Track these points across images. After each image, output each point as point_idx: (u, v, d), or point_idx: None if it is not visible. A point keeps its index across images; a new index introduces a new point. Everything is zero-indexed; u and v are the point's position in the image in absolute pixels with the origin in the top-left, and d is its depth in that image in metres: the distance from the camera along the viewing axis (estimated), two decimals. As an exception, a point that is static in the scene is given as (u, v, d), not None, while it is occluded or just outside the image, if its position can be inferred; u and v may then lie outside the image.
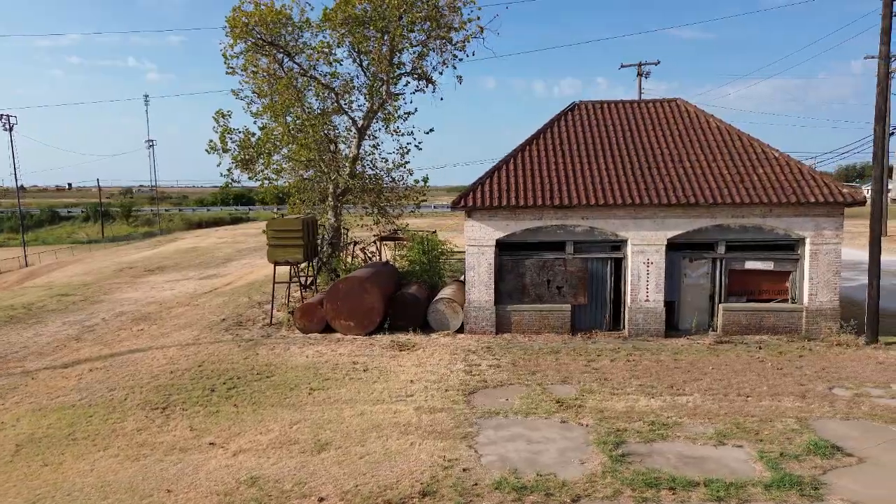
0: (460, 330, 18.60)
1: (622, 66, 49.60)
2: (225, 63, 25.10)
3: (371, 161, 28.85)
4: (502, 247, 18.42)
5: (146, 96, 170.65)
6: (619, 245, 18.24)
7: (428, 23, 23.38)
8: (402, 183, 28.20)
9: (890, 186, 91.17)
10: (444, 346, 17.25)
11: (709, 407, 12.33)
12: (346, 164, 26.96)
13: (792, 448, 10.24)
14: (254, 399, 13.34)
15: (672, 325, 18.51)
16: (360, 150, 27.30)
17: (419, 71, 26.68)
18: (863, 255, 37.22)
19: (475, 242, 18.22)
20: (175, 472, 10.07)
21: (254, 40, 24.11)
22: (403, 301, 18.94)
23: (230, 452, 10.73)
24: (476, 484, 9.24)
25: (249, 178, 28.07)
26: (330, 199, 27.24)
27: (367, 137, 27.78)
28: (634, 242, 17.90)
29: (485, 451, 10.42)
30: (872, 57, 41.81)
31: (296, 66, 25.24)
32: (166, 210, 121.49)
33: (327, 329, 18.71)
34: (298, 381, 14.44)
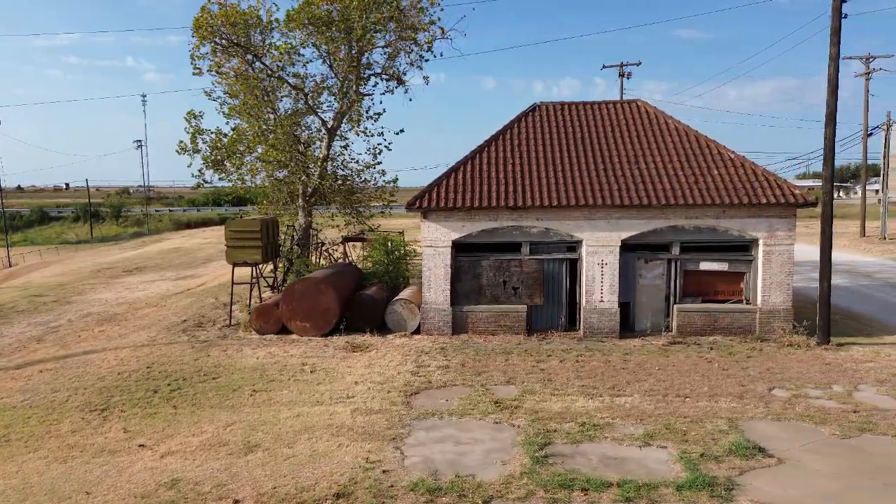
0: (417, 331, 18.61)
1: (604, 67, 49.77)
2: (192, 64, 25.07)
3: (342, 162, 28.92)
4: (459, 248, 18.45)
5: (143, 96, 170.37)
6: (574, 246, 18.28)
7: (393, 23, 23.40)
8: (372, 184, 28.23)
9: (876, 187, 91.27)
10: (398, 348, 17.26)
11: (645, 408, 12.36)
12: (317, 165, 26.99)
13: (715, 449, 10.28)
14: (194, 401, 13.34)
15: (628, 326, 18.55)
16: (331, 151, 27.33)
17: (390, 72, 26.77)
18: (838, 254, 37.37)
19: (431, 243, 18.24)
20: (99, 475, 10.06)
21: (220, 41, 24.09)
22: (361, 302, 18.95)
23: (158, 454, 10.72)
24: (392, 486, 9.25)
25: (220, 178, 28.09)
26: (300, 199, 27.27)
27: (337, 138, 27.82)
28: (589, 243, 17.94)
29: (410, 453, 10.44)
30: (849, 58, 42.03)
31: (264, 67, 25.22)
32: (157, 210, 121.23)
33: (284, 330, 18.70)
34: (243, 382, 14.44)
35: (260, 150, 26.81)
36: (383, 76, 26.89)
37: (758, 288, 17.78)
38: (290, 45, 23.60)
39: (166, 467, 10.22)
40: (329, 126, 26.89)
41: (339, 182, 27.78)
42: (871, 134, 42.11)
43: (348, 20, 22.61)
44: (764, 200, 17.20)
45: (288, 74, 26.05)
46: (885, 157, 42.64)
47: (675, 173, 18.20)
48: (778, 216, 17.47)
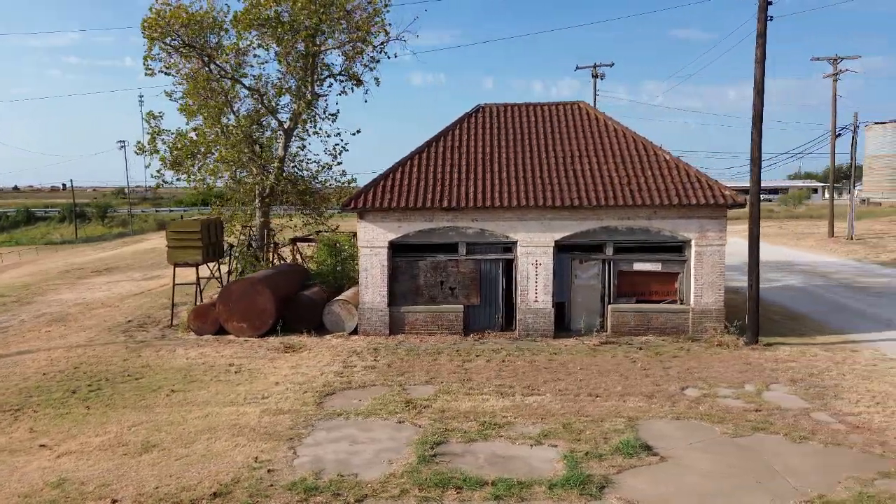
0: (356, 331, 18.70)
1: (577, 68, 49.95)
2: (144, 65, 25.10)
3: (299, 162, 29.02)
4: (396, 248, 18.54)
5: (140, 96, 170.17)
6: (510, 247, 18.39)
7: (344, 22, 23.51)
8: (331, 184, 28.32)
9: (859, 187, 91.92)
10: (331, 348, 17.34)
11: (551, 407, 12.48)
12: (273, 166, 27.06)
13: (602, 448, 10.39)
14: (110, 401, 13.39)
15: (564, 326, 18.68)
16: (287, 152, 27.41)
17: (349, 72, 26.90)
18: (802, 254, 37.66)
19: (368, 244, 18.33)
20: (-9, 475, 10.11)
21: (171, 42, 24.14)
22: (299, 303, 19.02)
23: (56, 454, 10.78)
24: (272, 485, 9.33)
25: (179, 179, 28.12)
26: (257, 200, 27.33)
27: (294, 139, 27.91)
28: (523, 244, 18.06)
29: (303, 453, 10.52)
30: (817, 59, 42.27)
31: (218, 68, 25.27)
32: (143, 211, 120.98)
33: (222, 331, 18.76)
34: (164, 383, 14.50)
35: (223, 151, 26.93)
36: (338, 77, 27.04)
37: (690, 288, 17.93)
38: (236, 46, 23.64)
39: (59, 467, 10.28)
40: (286, 127, 27.00)
41: (296, 182, 27.89)
42: (839, 135, 42.37)
43: (295, 21, 22.68)
44: (694, 201, 17.34)
45: (242, 76, 26.18)
46: (852, 158, 42.91)
47: (608, 174, 18.33)
48: (709, 217, 17.62)
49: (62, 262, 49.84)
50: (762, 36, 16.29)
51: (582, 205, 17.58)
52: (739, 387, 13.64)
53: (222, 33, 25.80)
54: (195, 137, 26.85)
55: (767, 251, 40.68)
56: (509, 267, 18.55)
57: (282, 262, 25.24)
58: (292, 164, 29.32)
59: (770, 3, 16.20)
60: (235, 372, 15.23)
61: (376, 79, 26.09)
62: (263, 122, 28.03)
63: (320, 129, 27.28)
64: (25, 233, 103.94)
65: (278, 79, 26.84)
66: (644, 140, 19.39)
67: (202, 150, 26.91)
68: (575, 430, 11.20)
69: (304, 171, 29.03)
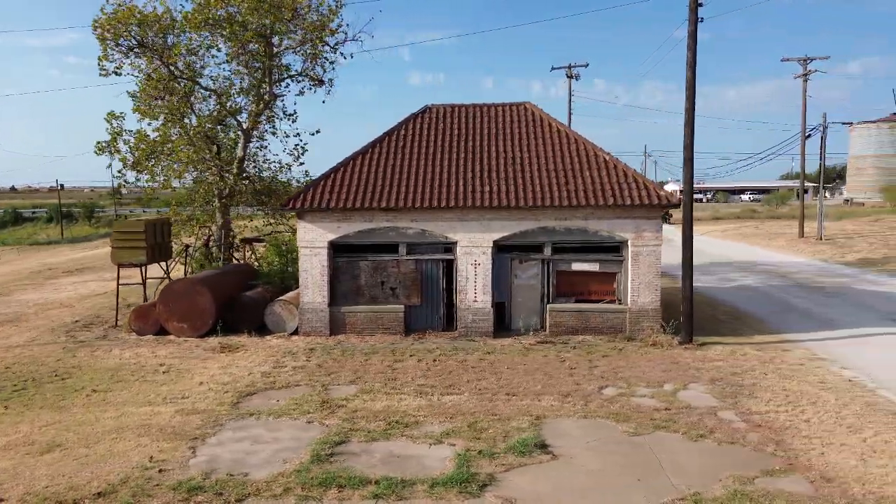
0: (297, 332, 18.74)
1: (553, 69, 50.07)
2: (98, 65, 25.08)
3: (259, 163, 29.08)
4: (337, 248, 18.60)
5: (132, 94, 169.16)
6: (450, 247, 18.45)
7: (297, 22, 23.56)
8: (291, 185, 28.37)
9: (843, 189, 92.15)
10: (268, 348, 17.39)
11: (465, 406, 12.55)
12: (233, 166, 27.09)
13: (499, 446, 10.47)
14: (30, 401, 13.41)
15: (505, 326, 18.76)
16: (247, 152, 27.44)
17: (307, 74, 27.02)
18: (770, 254, 37.78)
19: (308, 244, 18.38)
20: None
21: (123, 42, 24.14)
22: (241, 303, 19.06)
23: (-41, 454, 10.81)
24: (158, 485, 9.38)
25: (138, 180, 28.11)
26: (216, 200, 27.36)
27: (253, 139, 27.95)
28: (462, 244, 18.14)
29: (203, 452, 10.58)
30: (788, 59, 42.44)
31: (175, 68, 25.27)
32: (131, 211, 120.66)
33: (163, 331, 18.78)
34: (89, 383, 14.53)
35: (186, 152, 26.95)
36: (297, 78, 27.10)
37: (627, 288, 18.03)
38: (187, 46, 23.65)
39: (-42, 467, 10.31)
40: (245, 127, 27.04)
41: (255, 183, 27.93)
42: (809, 136, 42.55)
43: (245, 22, 22.72)
44: (629, 202, 17.44)
45: (199, 76, 26.21)
46: (821, 159, 43.10)
47: (547, 175, 18.42)
48: (645, 217, 17.72)
49: (36, 262, 49.70)
50: (692, 37, 16.39)
51: (519, 205, 17.66)
52: (658, 386, 13.74)
53: (179, 34, 25.87)
54: (156, 138, 26.90)
55: (736, 251, 40.95)
56: (450, 267, 18.62)
57: (238, 262, 25.24)
58: (252, 165, 29.45)
59: (700, 5, 16.30)
60: (164, 372, 15.27)
61: (330, 80, 26.16)
62: (227, 122, 28.11)
63: (279, 129, 27.35)
64: (12, 233, 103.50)
65: (239, 80, 26.97)
66: (585, 141, 19.48)
67: (163, 150, 26.97)
68: (479, 430, 11.28)
69: (266, 172, 29.16)
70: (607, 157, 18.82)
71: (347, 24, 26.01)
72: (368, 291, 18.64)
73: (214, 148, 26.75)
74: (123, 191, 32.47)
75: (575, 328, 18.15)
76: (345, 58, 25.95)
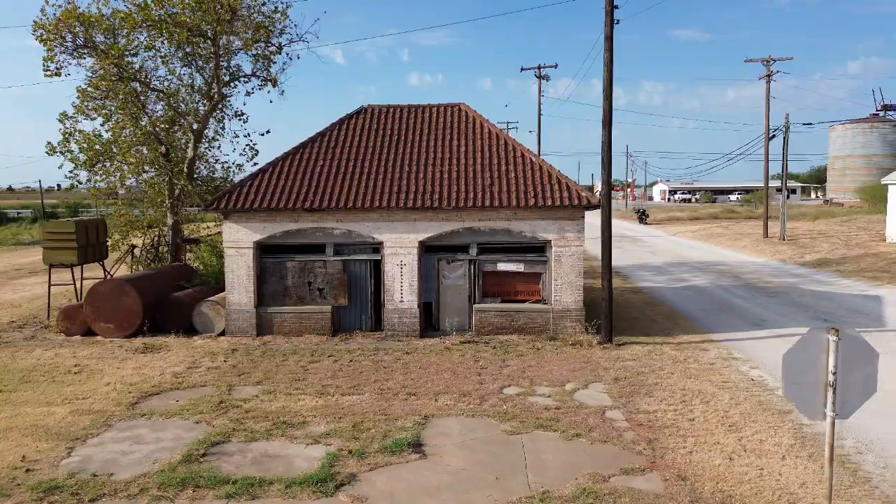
0: (224, 332, 18.77)
1: (522, 69, 50.28)
2: (43, 66, 25.05)
3: (211, 163, 29.12)
4: (264, 249, 18.64)
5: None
6: (377, 247, 18.51)
7: (239, 23, 23.60)
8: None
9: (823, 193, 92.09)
10: (191, 349, 17.41)
11: (360, 406, 12.60)
12: (183, 166, 27.10)
13: (372, 446, 10.53)
14: (-70, 402, 13.42)
15: (433, 326, 18.84)
16: (197, 152, 27.46)
17: (257, 74, 27.10)
18: (731, 254, 37.93)
19: (233, 245, 18.41)
20: None
21: (66, 43, 24.13)
22: (170, 304, 19.08)
23: None
24: (20, 485, 9.40)
25: (89, 181, 28.08)
26: (167, 200, 27.37)
27: (203, 140, 27.98)
28: (388, 245, 18.20)
29: (79, 453, 10.60)
30: (751, 60, 42.61)
31: (117, 68, 25.27)
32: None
33: (91, 332, 18.79)
34: (-3, 383, 14.54)
35: (141, 152, 26.96)
36: (244, 79, 27.15)
37: (551, 288, 18.12)
38: (125, 47, 23.65)
39: None
40: (194, 128, 27.04)
41: (207, 184, 27.97)
42: (772, 136, 42.74)
43: (181, 22, 22.75)
44: (550, 202, 17.53)
45: (148, 76, 26.22)
46: (783, 160, 43.28)
47: (473, 176, 18.50)
48: (567, 218, 17.80)
49: (6, 262, 49.57)
50: (609, 40, 16.49)
51: (442, 206, 17.73)
52: (560, 385, 13.82)
53: (128, 34, 25.87)
54: (109, 138, 26.89)
55: (699, 251, 41.13)
56: (378, 268, 18.68)
57: (180, 263, 25.22)
58: (206, 166, 29.48)
59: (616, 7, 16.40)
60: (76, 373, 15.28)
61: (273, 80, 26.19)
62: (178, 123, 28.11)
63: (228, 130, 27.41)
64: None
65: (188, 79, 27.00)
66: (514, 142, 19.57)
67: (114, 151, 26.96)
68: (362, 429, 11.33)
69: (218, 173, 29.21)
70: (533, 159, 18.91)
71: (296, 25, 25.99)
72: (295, 292, 18.68)
73: (163, 149, 26.78)
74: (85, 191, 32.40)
75: (501, 328, 18.23)
76: (290, 58, 26.06)
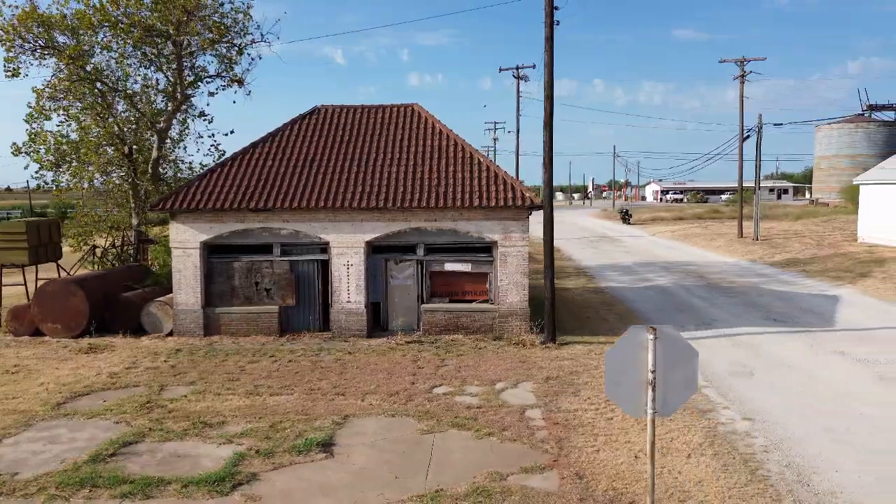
0: (172, 333, 18.79)
1: (501, 70, 50.37)
2: (4, 67, 25.04)
3: (176, 164, 29.15)
4: (211, 249, 18.66)
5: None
6: (326, 247, 18.55)
7: (192, 23, 23.63)
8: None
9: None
10: (136, 349, 17.42)
11: (283, 406, 12.64)
12: (148, 167, 27.11)
13: (282, 446, 10.57)
14: None
15: (381, 326, 18.88)
16: (161, 153, 27.47)
17: (222, 73, 27.16)
18: (703, 254, 38.02)
19: (180, 245, 18.43)
20: None
21: (26, 45, 24.13)
22: (119, 304, 19.09)
23: None
24: (-82, 484, 9.43)
25: (54, 181, 28.08)
26: (131, 201, 27.39)
27: (168, 140, 28.00)
28: (335, 245, 18.24)
29: (-11, 452, 10.63)
30: (725, 60, 42.69)
31: (78, 68, 25.27)
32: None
33: (40, 332, 18.79)
34: (-70, 384, 14.54)
35: (85, 151, 26.95)
36: (210, 79, 27.19)
37: (497, 288, 18.18)
38: (78, 47, 23.64)
39: None
40: (158, 127, 27.05)
41: (171, 184, 27.97)
42: (747, 137, 42.87)
43: (135, 23, 22.78)
44: (494, 203, 17.58)
45: (107, 76, 26.22)
46: (757, 160, 43.39)
47: (421, 176, 18.55)
48: (512, 219, 17.86)
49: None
50: (549, 41, 16.55)
51: (388, 206, 17.77)
52: (490, 385, 13.87)
53: (91, 35, 25.88)
54: (75, 139, 26.90)
55: (673, 251, 41.21)
56: (326, 268, 18.71)
57: (138, 263, 25.24)
58: (172, 166, 29.50)
59: (556, 9, 16.47)
60: (14, 373, 15.29)
61: (239, 80, 26.23)
62: (143, 123, 28.12)
63: (192, 130, 27.44)
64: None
65: (147, 79, 27.04)
66: (463, 142, 19.63)
67: (78, 151, 26.96)
68: (279, 429, 11.36)
69: (184, 173, 29.22)
70: (481, 159, 18.97)
71: (259, 25, 26.06)
72: (243, 292, 18.71)
73: (126, 149, 26.78)
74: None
75: (448, 328, 18.27)
76: (252, 59, 26.12)
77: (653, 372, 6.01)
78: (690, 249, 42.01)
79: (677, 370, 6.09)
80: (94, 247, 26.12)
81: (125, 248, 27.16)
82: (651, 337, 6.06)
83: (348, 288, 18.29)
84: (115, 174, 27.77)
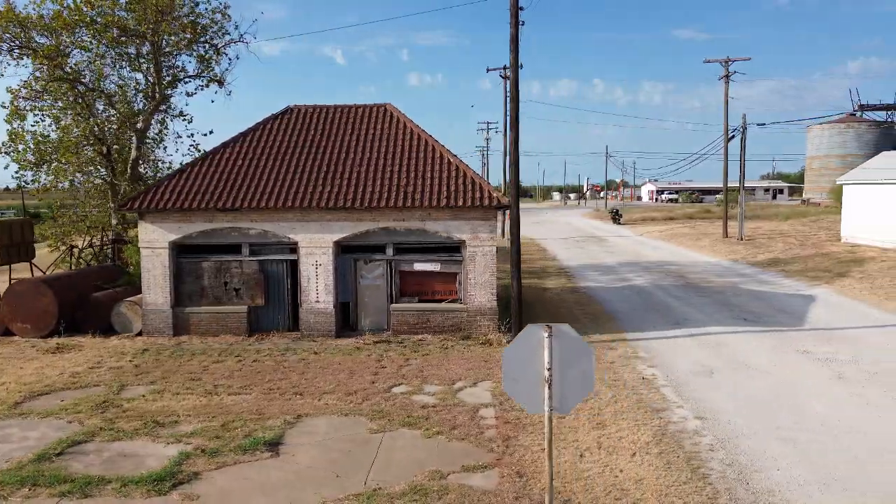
0: (142, 332, 18.79)
1: (488, 70, 50.30)
2: (-22, 68, 25.04)
3: (156, 164, 29.16)
4: (181, 249, 18.67)
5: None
6: (294, 247, 18.56)
7: (164, 24, 23.66)
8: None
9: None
10: (104, 349, 17.42)
11: (239, 406, 12.66)
12: (126, 167, 27.11)
13: (228, 446, 10.59)
14: None
15: (350, 326, 18.90)
16: (140, 152, 27.48)
17: (210, 74, 27.18)
18: (687, 254, 38.09)
19: (148, 244, 18.44)
20: None
21: (3, 44, 24.14)
22: (90, 304, 19.09)
23: None
24: None
25: (34, 181, 28.05)
26: (110, 201, 27.38)
27: (147, 139, 28.00)
28: (303, 245, 18.25)
29: (-63, 452, 10.63)
30: (710, 60, 42.82)
31: (55, 69, 25.27)
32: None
33: (9, 331, 18.78)
34: None
35: (63, 151, 26.95)
36: (188, 80, 27.21)
37: (466, 287, 18.21)
38: (53, 47, 23.64)
39: None
40: (138, 127, 27.05)
41: (150, 184, 27.98)
42: (731, 137, 42.95)
43: (108, 23, 22.80)
44: (461, 203, 17.61)
45: (88, 77, 26.23)
46: (741, 161, 43.48)
47: (390, 176, 18.57)
48: (480, 218, 17.89)
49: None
50: (514, 41, 16.60)
51: (355, 206, 17.79)
52: (450, 384, 13.90)
53: (69, 35, 25.89)
54: (56, 139, 26.90)
55: (657, 251, 41.26)
56: (295, 268, 18.72)
57: (114, 263, 25.23)
58: (150, 166, 29.50)
59: (521, 9, 16.50)
60: (-24, 373, 15.31)
61: (220, 80, 26.25)
62: (126, 123, 28.13)
63: (170, 130, 27.46)
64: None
65: (124, 78, 27.05)
66: (435, 143, 19.65)
67: (58, 151, 26.96)
68: (230, 429, 11.38)
69: (163, 173, 29.21)
70: (451, 159, 19.00)
71: (237, 25, 26.12)
72: (212, 292, 18.71)
73: (104, 149, 26.78)
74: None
75: (417, 327, 18.30)
76: (230, 59, 26.15)
77: (549, 370, 6.05)
78: (675, 249, 42.07)
79: (574, 368, 6.12)
80: (72, 246, 26.09)
81: (104, 248, 27.16)
82: (546, 335, 6.09)
83: (317, 288, 18.31)
84: (93, 174, 27.78)
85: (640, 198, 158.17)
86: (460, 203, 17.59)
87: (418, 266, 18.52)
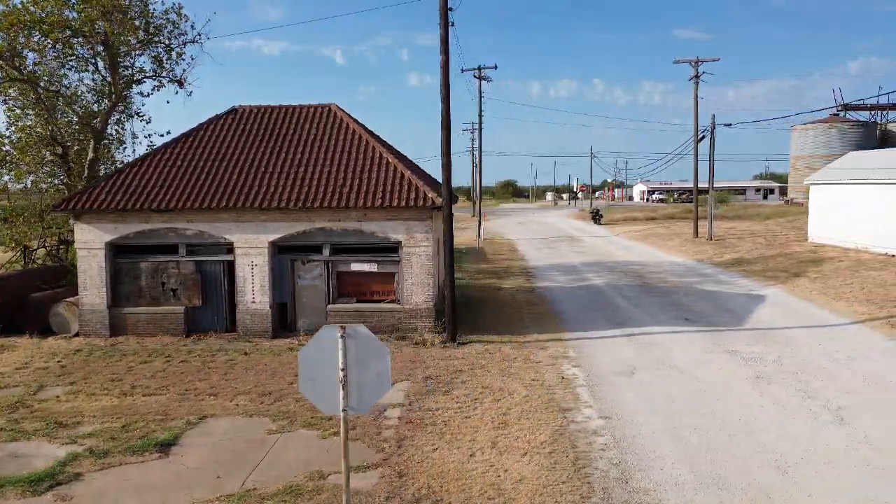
0: (79, 333, 18.76)
1: (463, 70, 50.39)
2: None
3: (112, 165, 29.06)
4: (118, 249, 18.64)
5: None
6: (230, 248, 18.55)
7: (106, 23, 23.61)
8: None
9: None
10: (37, 350, 17.36)
11: (147, 407, 12.65)
12: (84, 168, 27.04)
13: (120, 447, 10.59)
14: None
15: (288, 326, 18.90)
16: (98, 154, 27.41)
17: (170, 74, 27.14)
18: (653, 253, 38.18)
19: (84, 245, 18.41)
20: None
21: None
22: (28, 305, 19.05)
23: None
24: None
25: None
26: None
27: (104, 140, 27.93)
28: (239, 245, 18.24)
29: None
30: (679, 61, 42.92)
31: (13, 69, 25.21)
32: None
33: (-55, 333, 18.74)
34: None
35: (18, 151, 26.89)
36: (144, 80, 27.16)
37: (403, 288, 18.22)
38: (8, 47, 23.55)
39: None
40: (96, 128, 26.99)
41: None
42: (702, 138, 43.05)
43: (54, 22, 22.73)
44: (396, 203, 17.62)
45: (33, 76, 26.17)
46: (710, 160, 43.57)
47: (328, 176, 18.57)
48: (416, 219, 17.90)
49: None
50: (445, 42, 16.61)
51: (290, 206, 17.79)
52: (368, 385, 13.90)
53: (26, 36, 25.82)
54: (15, 138, 26.82)
55: (625, 251, 41.31)
56: (232, 268, 18.70)
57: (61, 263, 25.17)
58: (112, 167, 29.42)
59: (451, 10, 16.53)
60: None
61: (180, 80, 26.23)
62: (79, 123, 28.05)
63: (127, 130, 27.40)
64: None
65: (81, 80, 26.99)
66: (376, 143, 19.67)
67: (16, 150, 26.88)
68: (130, 430, 11.38)
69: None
70: (390, 160, 19.00)
71: (193, 26, 26.02)
72: (149, 293, 18.69)
73: (59, 149, 26.71)
74: None
75: (354, 328, 18.28)
76: (187, 60, 26.12)
77: (343, 370, 6.07)
78: (644, 249, 42.15)
79: (369, 368, 6.15)
80: (25, 247, 26.03)
81: (59, 249, 27.10)
82: (340, 335, 6.12)
83: (253, 289, 18.30)
84: (48, 175, 27.71)
85: (631, 198, 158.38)
86: (395, 203, 17.59)
87: (355, 266, 18.53)
